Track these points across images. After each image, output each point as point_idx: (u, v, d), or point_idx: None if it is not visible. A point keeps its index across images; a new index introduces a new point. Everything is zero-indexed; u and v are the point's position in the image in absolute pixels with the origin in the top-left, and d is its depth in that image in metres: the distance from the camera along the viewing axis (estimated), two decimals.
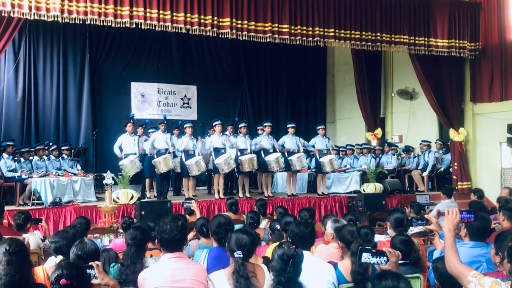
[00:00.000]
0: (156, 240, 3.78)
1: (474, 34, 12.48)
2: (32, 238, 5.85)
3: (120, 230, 7.04)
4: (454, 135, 13.02)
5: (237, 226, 4.99)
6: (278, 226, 5.47)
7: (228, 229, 4.23)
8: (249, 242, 3.55)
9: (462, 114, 13.31)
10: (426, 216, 5.17)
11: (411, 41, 11.67)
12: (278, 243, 3.89)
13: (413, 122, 14.87)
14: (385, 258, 3.54)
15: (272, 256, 3.31)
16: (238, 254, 3.46)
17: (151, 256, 4.37)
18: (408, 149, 14.00)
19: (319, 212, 10.79)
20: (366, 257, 3.52)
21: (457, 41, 12.10)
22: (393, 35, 11.51)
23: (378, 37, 11.36)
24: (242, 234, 3.59)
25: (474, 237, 4.15)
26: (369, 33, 11.25)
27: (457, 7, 12.23)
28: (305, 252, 3.55)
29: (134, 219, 7.21)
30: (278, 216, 6.72)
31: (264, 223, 6.78)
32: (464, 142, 13.17)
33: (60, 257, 4.10)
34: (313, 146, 12.03)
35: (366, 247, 3.63)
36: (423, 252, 4.91)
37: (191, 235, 5.77)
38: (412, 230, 6.27)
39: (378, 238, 5.66)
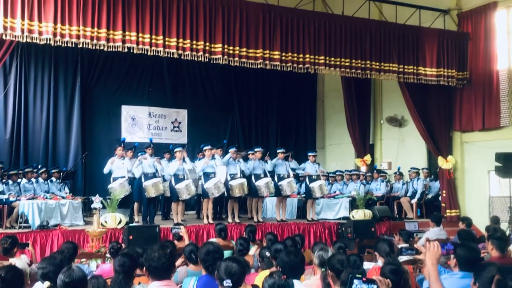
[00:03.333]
0: (144, 268, 3.76)
1: (462, 63, 12.65)
2: (19, 263, 5.77)
3: (108, 255, 6.97)
4: (443, 163, 13.10)
5: (226, 253, 4.97)
6: (267, 254, 5.45)
7: (217, 257, 4.20)
8: (239, 271, 3.54)
9: (450, 142, 13.41)
10: (415, 246, 5.16)
11: (400, 70, 11.80)
12: (267, 270, 3.88)
13: (402, 149, 14.96)
14: (375, 286, 3.53)
15: (263, 285, 3.30)
16: (227, 283, 3.44)
17: (139, 283, 4.33)
18: (400, 173, 14.04)
19: (308, 238, 10.74)
20: (356, 284, 3.51)
21: (445, 70, 12.23)
22: (382, 63, 11.63)
23: (368, 65, 11.47)
24: (231, 263, 3.58)
25: (463, 267, 4.15)
26: (359, 61, 11.37)
27: (445, 37, 12.42)
28: (294, 281, 3.55)
29: (122, 244, 7.15)
30: (268, 243, 6.69)
31: (253, 250, 6.75)
32: (453, 170, 13.24)
33: (47, 283, 4.04)
34: (304, 170, 12.06)
35: (357, 275, 3.62)
36: (413, 280, 4.91)
37: (179, 261, 5.73)
38: (401, 258, 6.26)
39: (367, 265, 5.65)
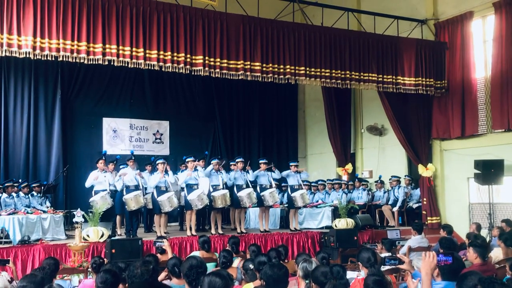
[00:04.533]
0: (127, 285, 3.74)
1: (440, 73, 12.83)
2: None
3: (90, 270, 6.91)
4: (423, 171, 13.25)
5: (209, 265, 4.96)
6: (251, 266, 5.45)
7: (200, 272, 4.17)
8: (222, 286, 3.54)
9: (430, 150, 13.56)
10: (398, 255, 5.23)
11: (380, 79, 11.92)
12: (251, 283, 3.89)
13: (382, 158, 15.10)
14: None
15: None
16: None
17: None
18: (381, 181, 14.17)
19: (292, 248, 10.77)
20: None
21: (423, 79, 12.39)
22: (362, 73, 11.73)
23: (348, 75, 11.56)
24: (215, 277, 3.57)
25: (446, 277, 4.20)
26: (339, 71, 11.45)
27: (423, 46, 12.59)
28: None
29: (105, 259, 7.10)
30: (251, 255, 6.70)
31: (236, 262, 6.74)
32: (433, 177, 13.39)
33: None
34: (286, 180, 12.12)
35: None
36: None
37: (162, 275, 5.71)
38: (384, 267, 6.31)
39: (350, 275, 5.69)
